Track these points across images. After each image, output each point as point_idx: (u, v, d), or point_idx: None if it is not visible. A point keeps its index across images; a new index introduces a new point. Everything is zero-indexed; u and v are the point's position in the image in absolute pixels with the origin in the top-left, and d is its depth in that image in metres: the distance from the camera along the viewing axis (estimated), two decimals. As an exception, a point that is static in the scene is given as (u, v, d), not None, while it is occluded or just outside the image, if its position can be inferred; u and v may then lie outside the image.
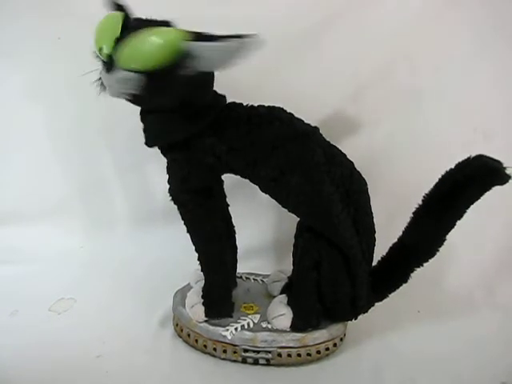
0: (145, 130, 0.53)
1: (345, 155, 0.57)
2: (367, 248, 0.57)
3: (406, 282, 0.58)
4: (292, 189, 0.53)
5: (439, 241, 0.56)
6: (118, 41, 0.46)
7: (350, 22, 0.74)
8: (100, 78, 0.49)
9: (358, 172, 0.57)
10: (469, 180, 0.52)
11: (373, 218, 0.58)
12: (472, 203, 0.53)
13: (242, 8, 0.73)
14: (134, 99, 0.49)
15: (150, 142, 0.53)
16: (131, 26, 0.47)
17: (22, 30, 0.76)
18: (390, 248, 0.59)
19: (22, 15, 0.76)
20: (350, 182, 0.55)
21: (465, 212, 0.54)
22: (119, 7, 0.49)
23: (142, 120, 0.53)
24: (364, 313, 0.59)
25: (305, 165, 0.53)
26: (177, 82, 0.46)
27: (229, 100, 0.55)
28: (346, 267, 0.55)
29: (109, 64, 0.46)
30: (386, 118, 0.77)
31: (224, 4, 0.73)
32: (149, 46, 0.45)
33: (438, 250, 0.56)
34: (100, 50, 0.47)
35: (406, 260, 0.58)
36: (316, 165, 0.53)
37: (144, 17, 0.49)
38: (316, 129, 0.56)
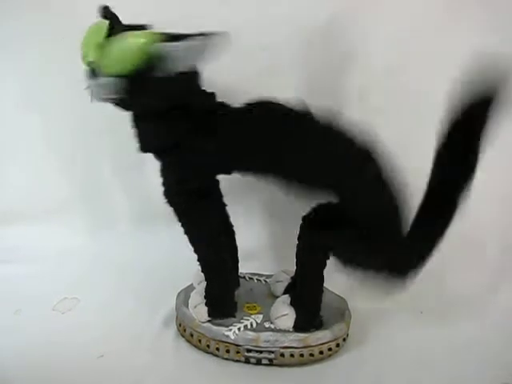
0: (137, 137, 0.53)
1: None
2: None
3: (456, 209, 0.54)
4: (294, 158, 0.52)
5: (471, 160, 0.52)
6: (101, 48, 0.47)
7: (354, 22, 0.74)
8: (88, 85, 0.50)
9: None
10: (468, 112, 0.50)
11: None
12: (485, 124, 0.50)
13: (244, 9, 0.73)
14: (119, 103, 0.50)
15: (143, 148, 0.54)
16: (114, 33, 0.48)
17: (24, 29, 0.76)
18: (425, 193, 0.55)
19: (22, 15, 0.76)
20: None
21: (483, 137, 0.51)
22: (108, 15, 0.50)
23: (134, 126, 0.53)
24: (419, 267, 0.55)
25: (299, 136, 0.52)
26: (157, 84, 0.47)
27: (230, 100, 0.55)
28: (366, 240, 0.52)
29: (92, 70, 0.48)
30: (388, 119, 0.77)
31: (225, 5, 0.74)
32: (122, 51, 0.47)
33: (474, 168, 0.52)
34: (85, 57, 0.48)
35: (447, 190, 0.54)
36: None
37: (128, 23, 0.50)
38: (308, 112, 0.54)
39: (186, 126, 0.51)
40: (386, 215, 0.53)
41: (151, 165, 0.82)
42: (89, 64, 0.48)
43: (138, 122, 0.52)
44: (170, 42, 0.46)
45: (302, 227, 0.60)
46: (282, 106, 0.53)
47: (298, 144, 0.52)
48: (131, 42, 0.47)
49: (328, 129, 0.53)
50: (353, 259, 0.55)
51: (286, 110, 0.53)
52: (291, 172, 0.53)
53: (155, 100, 0.49)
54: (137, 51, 0.46)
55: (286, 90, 0.69)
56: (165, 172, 0.56)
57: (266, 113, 0.53)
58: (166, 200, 0.56)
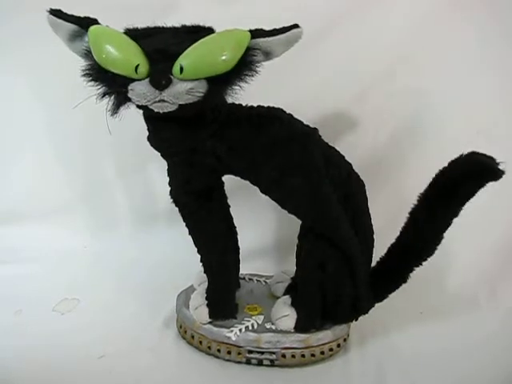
0: (159, 140, 0.52)
1: (343, 156, 0.57)
2: (366, 249, 0.57)
3: (405, 281, 0.58)
4: (292, 190, 0.53)
5: (436, 239, 0.56)
6: (152, 55, 0.44)
7: (353, 23, 0.74)
8: (118, 100, 0.46)
9: (356, 173, 0.57)
10: (463, 177, 0.52)
11: (370, 218, 0.58)
12: (467, 200, 0.53)
13: (245, 10, 0.73)
14: (186, 108, 0.45)
15: (167, 149, 0.52)
16: (144, 37, 0.46)
17: (27, 29, 0.76)
18: (389, 248, 0.59)
19: (26, 13, 0.75)
20: (347, 183, 0.56)
21: (460, 209, 0.54)
22: (92, 21, 0.48)
23: (157, 130, 0.51)
24: (364, 314, 0.59)
25: (305, 166, 0.53)
26: (234, 83, 0.46)
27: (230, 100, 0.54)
28: (348, 268, 0.55)
29: (163, 80, 0.43)
30: (388, 119, 0.77)
31: (227, 5, 0.74)
32: (221, 51, 0.44)
33: (436, 249, 0.56)
34: (136, 67, 0.43)
35: (404, 260, 0.58)
36: (315, 166, 0.53)
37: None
38: (315, 130, 0.56)
39: (206, 130, 0.50)
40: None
41: (152, 167, 0.83)
42: (149, 72, 0.43)
43: (166, 123, 0.49)
44: (259, 37, 0.45)
45: (302, 227, 0.60)
46: (289, 123, 0.54)
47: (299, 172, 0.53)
48: (231, 41, 0.45)
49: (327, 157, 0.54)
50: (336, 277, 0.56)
51: (292, 127, 0.54)
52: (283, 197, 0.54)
53: (222, 101, 0.48)
54: (238, 49, 0.44)
55: (284, 91, 0.70)
56: (172, 172, 0.55)
57: (272, 123, 0.53)
58: (172, 200, 0.56)
